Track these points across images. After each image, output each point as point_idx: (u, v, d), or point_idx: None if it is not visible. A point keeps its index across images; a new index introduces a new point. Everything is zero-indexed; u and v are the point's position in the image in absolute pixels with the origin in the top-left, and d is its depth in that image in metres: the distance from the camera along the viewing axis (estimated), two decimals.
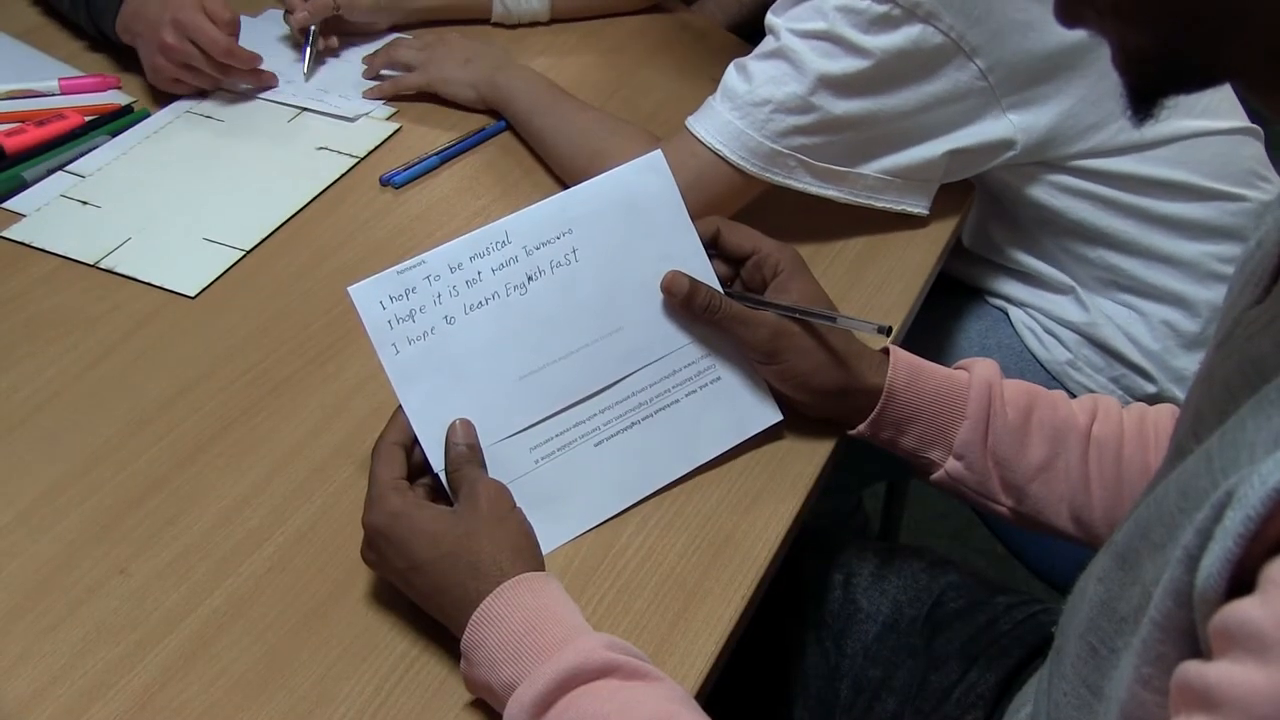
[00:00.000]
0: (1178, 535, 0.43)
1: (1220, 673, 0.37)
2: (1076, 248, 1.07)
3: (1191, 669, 0.39)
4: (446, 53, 1.16)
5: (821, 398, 0.77)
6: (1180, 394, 1.12)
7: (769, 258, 0.77)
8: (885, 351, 0.78)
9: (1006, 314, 1.17)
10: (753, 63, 0.93)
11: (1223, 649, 0.38)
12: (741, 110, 0.92)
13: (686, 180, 0.87)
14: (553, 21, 1.30)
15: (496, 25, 1.29)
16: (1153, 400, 1.12)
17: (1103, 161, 1.00)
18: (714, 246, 0.79)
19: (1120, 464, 0.76)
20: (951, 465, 0.77)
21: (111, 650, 0.66)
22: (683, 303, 0.75)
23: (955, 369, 0.79)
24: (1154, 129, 0.99)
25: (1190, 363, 1.11)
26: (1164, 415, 0.78)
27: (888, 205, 0.98)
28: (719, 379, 0.78)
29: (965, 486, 0.78)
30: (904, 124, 0.93)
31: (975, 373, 0.77)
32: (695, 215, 0.79)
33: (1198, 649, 0.41)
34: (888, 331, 0.72)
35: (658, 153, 0.78)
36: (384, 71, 1.18)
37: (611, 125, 1.03)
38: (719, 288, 0.78)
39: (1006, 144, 0.97)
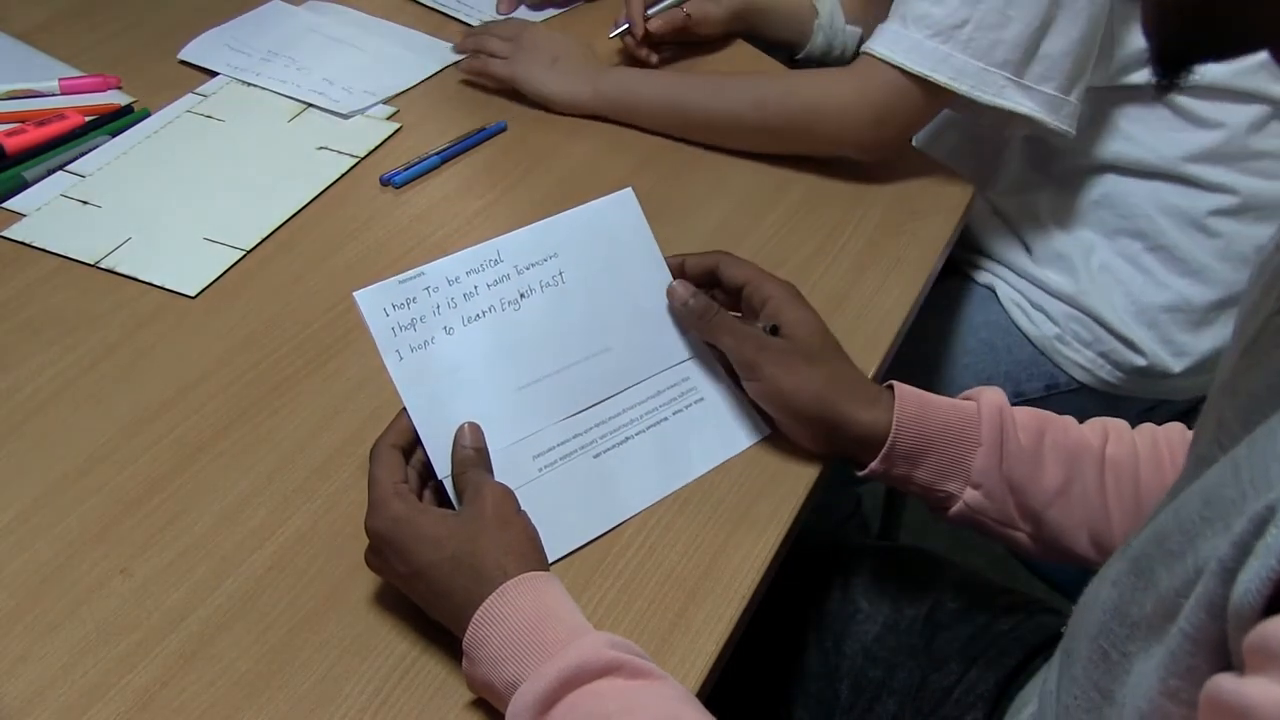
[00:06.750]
0: (1197, 544, 0.43)
1: (1260, 690, 0.36)
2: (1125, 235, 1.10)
3: (1226, 684, 0.38)
4: (532, 48, 1.15)
5: (809, 425, 0.76)
6: (1176, 368, 1.12)
7: (760, 288, 0.77)
8: (889, 388, 0.76)
9: (994, 290, 1.17)
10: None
11: (1260, 666, 0.37)
12: (944, 35, 0.94)
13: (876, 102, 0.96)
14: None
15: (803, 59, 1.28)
16: (1142, 373, 1.12)
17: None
18: (716, 283, 0.80)
19: (1138, 485, 0.75)
20: (970, 495, 0.74)
21: (111, 650, 0.66)
22: (681, 305, 0.78)
23: (961, 399, 0.77)
24: None
25: (1192, 342, 1.11)
26: (1175, 434, 0.77)
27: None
28: (702, 400, 0.80)
29: (985, 516, 0.75)
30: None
31: (983, 400, 0.76)
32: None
33: (1228, 662, 0.41)
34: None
35: (629, 190, 0.80)
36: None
37: (774, 73, 1.04)
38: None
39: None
